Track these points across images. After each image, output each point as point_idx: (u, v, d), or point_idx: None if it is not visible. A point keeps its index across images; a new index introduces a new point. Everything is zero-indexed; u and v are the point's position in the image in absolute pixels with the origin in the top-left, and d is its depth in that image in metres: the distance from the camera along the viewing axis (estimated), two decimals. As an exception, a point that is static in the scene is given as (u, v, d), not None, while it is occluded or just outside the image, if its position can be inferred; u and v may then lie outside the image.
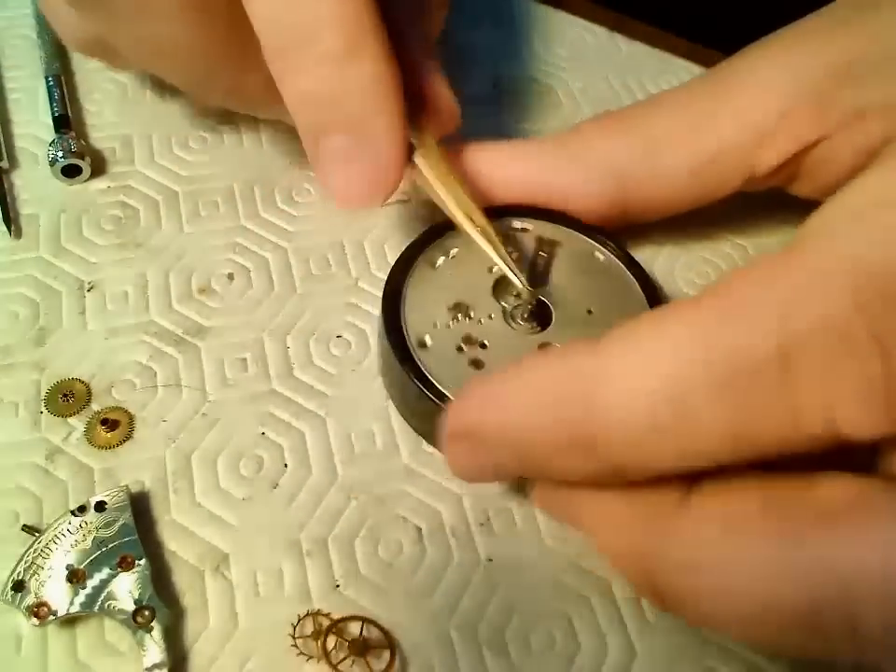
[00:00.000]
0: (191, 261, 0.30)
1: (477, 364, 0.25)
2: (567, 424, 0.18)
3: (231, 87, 0.26)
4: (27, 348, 0.27)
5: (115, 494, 0.23)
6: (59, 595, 0.22)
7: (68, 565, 0.22)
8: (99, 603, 0.22)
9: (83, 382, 0.26)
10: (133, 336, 0.28)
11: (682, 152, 0.28)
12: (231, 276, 0.30)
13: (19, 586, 0.22)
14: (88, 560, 0.22)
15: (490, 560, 0.24)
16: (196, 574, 0.23)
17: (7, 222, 0.30)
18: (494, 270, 0.26)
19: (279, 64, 0.22)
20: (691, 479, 0.19)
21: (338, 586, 0.23)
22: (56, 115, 0.33)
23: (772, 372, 0.16)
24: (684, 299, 0.19)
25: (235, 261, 0.30)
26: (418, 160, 0.26)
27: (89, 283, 0.29)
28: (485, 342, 0.25)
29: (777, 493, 0.18)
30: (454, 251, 0.27)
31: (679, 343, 0.17)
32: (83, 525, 0.23)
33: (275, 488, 0.25)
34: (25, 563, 0.22)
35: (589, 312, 0.26)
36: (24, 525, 0.23)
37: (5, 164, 0.32)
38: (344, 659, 0.22)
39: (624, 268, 0.28)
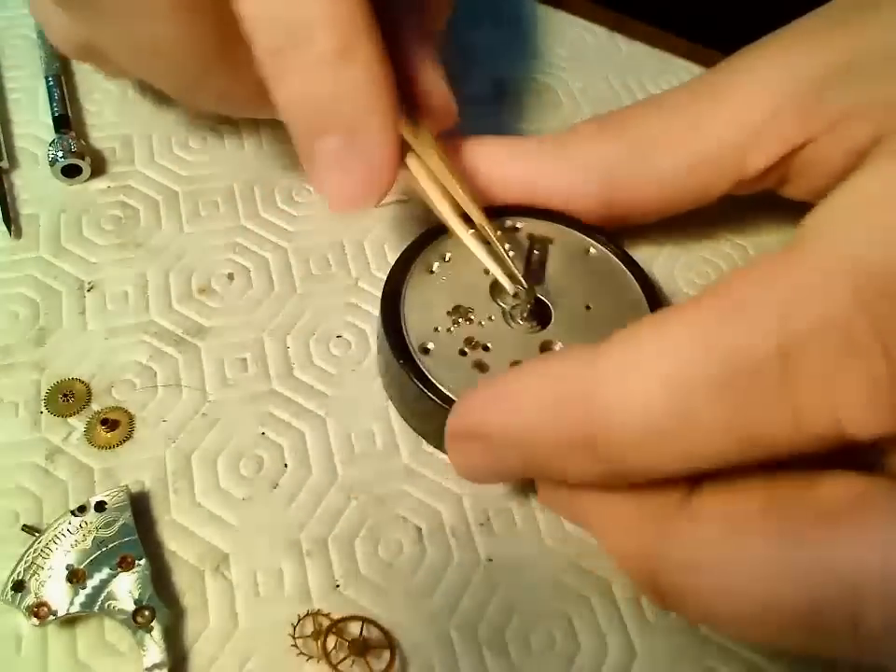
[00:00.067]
0: (191, 261, 0.30)
1: (481, 366, 0.25)
2: (569, 425, 0.18)
3: (221, 90, 0.26)
4: (27, 348, 0.27)
5: (115, 494, 0.23)
6: (59, 595, 0.22)
7: (68, 565, 0.22)
8: (99, 603, 0.22)
9: (83, 382, 0.26)
10: (132, 336, 0.28)
11: (671, 155, 0.28)
12: (230, 276, 0.30)
13: (19, 586, 0.22)
14: (88, 560, 0.22)
15: (490, 560, 0.24)
16: (196, 574, 0.23)
17: (7, 222, 0.30)
18: (496, 258, 0.27)
19: (270, 67, 0.22)
20: (692, 480, 0.19)
21: (338, 586, 0.23)
22: (56, 115, 0.33)
23: (773, 372, 0.16)
24: (684, 300, 0.19)
25: (235, 261, 0.30)
26: (411, 162, 0.26)
27: (89, 283, 0.29)
28: (487, 344, 0.25)
29: (778, 492, 0.18)
30: (449, 254, 0.27)
31: (680, 344, 0.17)
32: (83, 524, 0.23)
33: (275, 488, 0.25)
34: (25, 563, 0.22)
35: (587, 308, 0.26)
36: (24, 525, 0.23)
37: (5, 164, 0.32)
38: (344, 659, 0.22)
39: (618, 262, 0.28)
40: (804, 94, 0.26)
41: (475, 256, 0.26)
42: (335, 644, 0.22)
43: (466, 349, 0.25)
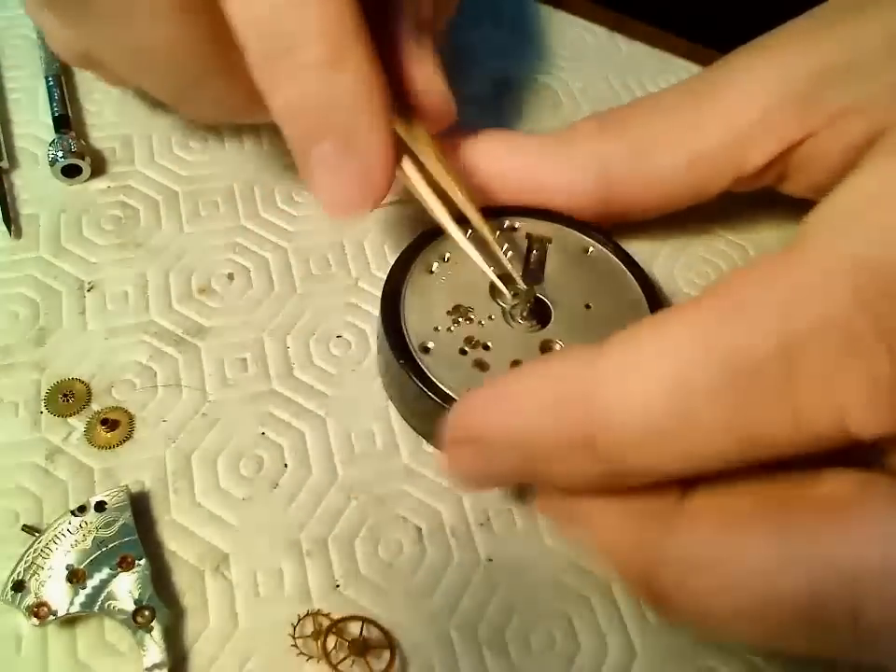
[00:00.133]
0: (191, 261, 0.30)
1: (481, 365, 0.25)
2: (569, 425, 0.18)
3: (217, 96, 0.26)
4: (27, 348, 0.27)
5: (115, 494, 0.23)
6: (59, 595, 0.22)
7: (68, 565, 0.22)
8: (99, 603, 0.22)
9: (83, 382, 0.26)
10: (133, 336, 0.28)
11: (670, 152, 0.28)
12: (230, 276, 0.30)
13: (19, 586, 0.22)
14: (88, 560, 0.22)
15: (490, 560, 0.24)
16: (196, 574, 0.23)
17: (7, 222, 0.30)
18: (491, 268, 0.27)
19: (263, 74, 0.22)
20: (688, 482, 0.19)
21: (338, 586, 0.23)
22: (56, 115, 0.33)
23: (774, 372, 0.16)
24: (684, 300, 0.19)
25: (235, 261, 0.30)
26: (407, 164, 0.26)
27: (89, 283, 0.29)
28: (488, 343, 0.25)
29: (775, 490, 0.18)
30: (448, 254, 0.27)
31: (680, 345, 0.17)
32: (83, 524, 0.23)
33: (275, 488, 0.25)
34: (25, 563, 0.22)
35: (587, 307, 0.26)
36: (24, 525, 0.23)
37: (5, 164, 0.32)
38: (344, 659, 0.22)
39: (618, 261, 0.28)
40: (801, 91, 0.26)
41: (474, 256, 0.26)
42: (335, 644, 0.22)
43: (466, 348, 0.25)
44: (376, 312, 0.27)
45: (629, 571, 0.19)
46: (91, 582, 0.22)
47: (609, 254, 0.28)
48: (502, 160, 0.29)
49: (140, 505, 0.24)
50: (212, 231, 0.31)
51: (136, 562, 0.22)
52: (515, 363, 0.25)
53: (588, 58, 0.39)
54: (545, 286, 0.27)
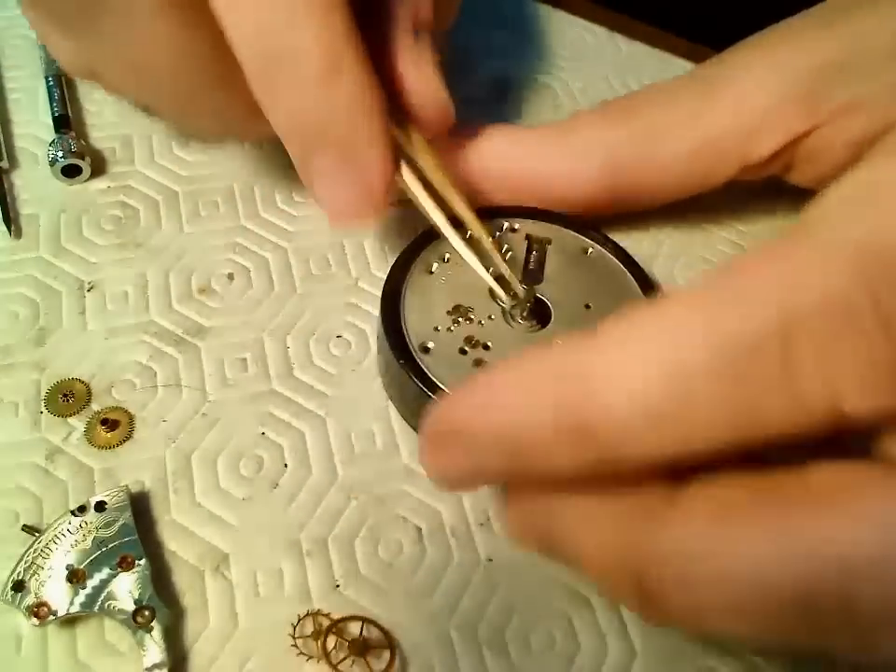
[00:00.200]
0: (191, 261, 0.30)
1: (481, 365, 0.25)
2: (565, 414, 0.18)
3: (217, 110, 0.26)
4: (27, 348, 0.27)
5: (115, 494, 0.23)
6: (59, 595, 0.22)
7: (68, 565, 0.22)
8: (99, 603, 0.22)
9: (83, 382, 0.26)
10: (133, 336, 0.28)
11: (676, 140, 0.28)
12: (230, 276, 0.30)
13: (19, 586, 0.22)
14: (88, 560, 0.22)
15: (490, 560, 0.24)
16: (196, 574, 0.23)
17: (7, 222, 0.30)
18: (490, 270, 0.27)
19: (261, 89, 0.23)
20: (676, 476, 0.19)
21: (338, 586, 0.23)
22: (56, 115, 0.33)
23: (772, 353, 0.16)
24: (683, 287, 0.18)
25: (235, 261, 0.30)
26: (405, 171, 0.26)
27: (89, 283, 0.29)
28: (488, 343, 0.25)
29: (768, 482, 0.18)
30: (448, 254, 0.27)
31: (678, 327, 0.17)
32: (83, 524, 0.23)
33: (275, 488, 0.25)
34: (25, 563, 0.22)
35: (587, 307, 0.26)
36: (24, 525, 0.23)
37: (5, 164, 0.32)
38: (344, 659, 0.22)
39: (617, 261, 0.28)
40: (807, 83, 0.26)
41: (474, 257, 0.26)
42: (335, 644, 0.22)
43: (466, 348, 0.25)
44: (376, 312, 0.27)
45: (616, 573, 0.19)
46: (91, 582, 0.22)
47: (609, 254, 0.28)
48: (505, 155, 0.29)
49: (140, 505, 0.24)
50: (212, 230, 0.31)
51: (136, 562, 0.22)
52: None
53: (588, 58, 0.39)
54: (545, 286, 0.27)
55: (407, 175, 0.27)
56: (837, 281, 0.16)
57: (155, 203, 0.32)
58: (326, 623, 0.22)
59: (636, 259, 0.28)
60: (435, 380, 0.24)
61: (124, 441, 0.25)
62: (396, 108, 0.26)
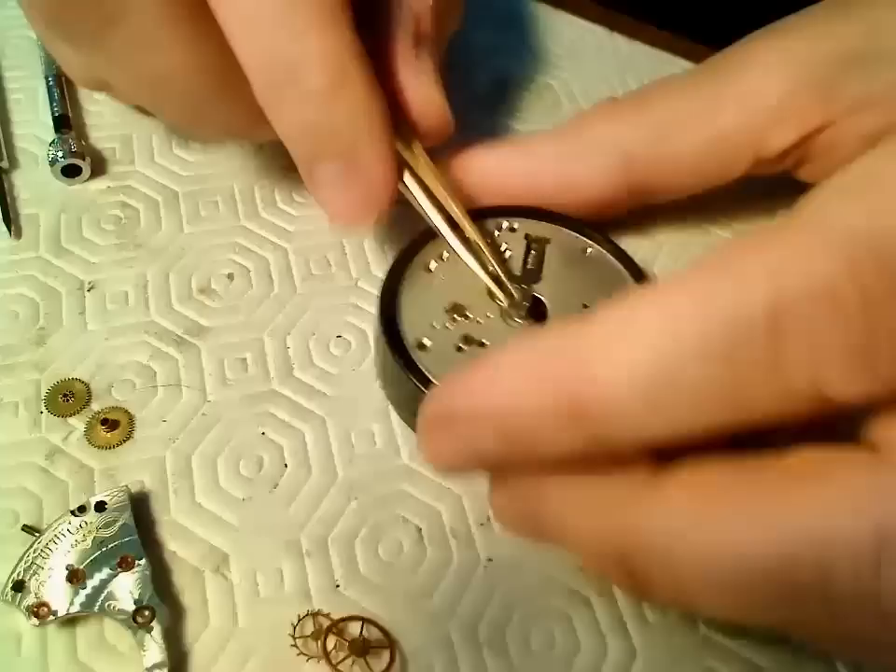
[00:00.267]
0: (191, 261, 0.30)
1: None
2: (558, 396, 0.18)
3: (225, 118, 0.27)
4: (27, 348, 0.27)
5: (115, 494, 0.23)
6: (59, 595, 0.22)
7: (68, 565, 0.22)
8: (99, 603, 0.22)
9: (83, 382, 0.26)
10: (133, 336, 0.28)
11: (689, 134, 0.28)
12: (230, 276, 0.30)
13: (19, 586, 0.22)
14: (88, 560, 0.22)
15: (490, 560, 0.24)
16: (196, 574, 0.23)
17: (7, 222, 0.30)
18: (489, 270, 0.27)
19: (268, 101, 0.23)
20: (663, 457, 0.19)
21: (338, 586, 0.23)
22: (56, 115, 0.33)
23: (761, 336, 0.16)
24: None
25: (235, 261, 0.30)
26: (408, 179, 0.27)
27: (89, 283, 0.29)
28: (484, 340, 0.25)
29: (748, 462, 0.18)
30: (446, 253, 0.27)
31: (669, 310, 0.17)
32: (83, 524, 0.23)
33: (275, 488, 0.25)
34: (25, 563, 0.22)
35: (585, 307, 0.26)
36: (24, 525, 0.23)
37: (5, 164, 0.32)
38: (344, 659, 0.22)
39: (615, 260, 0.28)
40: (821, 74, 0.26)
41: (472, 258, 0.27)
42: (335, 644, 0.22)
43: (463, 346, 0.25)
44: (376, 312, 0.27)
45: (603, 553, 0.19)
46: (91, 582, 0.22)
47: (607, 254, 0.28)
48: (518, 170, 0.29)
49: (140, 505, 0.24)
50: (212, 231, 0.31)
51: (136, 562, 0.22)
52: None
53: (588, 58, 0.39)
54: (543, 285, 0.27)
55: (408, 179, 0.27)
56: (825, 267, 0.16)
57: (155, 202, 0.32)
58: (326, 623, 0.22)
59: (635, 259, 0.28)
60: (431, 377, 0.24)
61: (124, 441, 0.25)
62: (396, 118, 0.26)
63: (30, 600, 0.21)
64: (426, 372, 0.24)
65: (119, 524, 0.23)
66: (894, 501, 0.16)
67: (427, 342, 0.25)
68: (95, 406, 0.26)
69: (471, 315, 0.26)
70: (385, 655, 0.22)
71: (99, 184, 0.32)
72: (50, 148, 0.31)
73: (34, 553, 0.22)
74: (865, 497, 0.16)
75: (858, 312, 0.16)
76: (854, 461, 0.17)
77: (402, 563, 0.24)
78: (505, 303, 0.26)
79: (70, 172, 0.31)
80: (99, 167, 0.32)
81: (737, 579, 0.17)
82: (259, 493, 0.25)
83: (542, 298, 0.27)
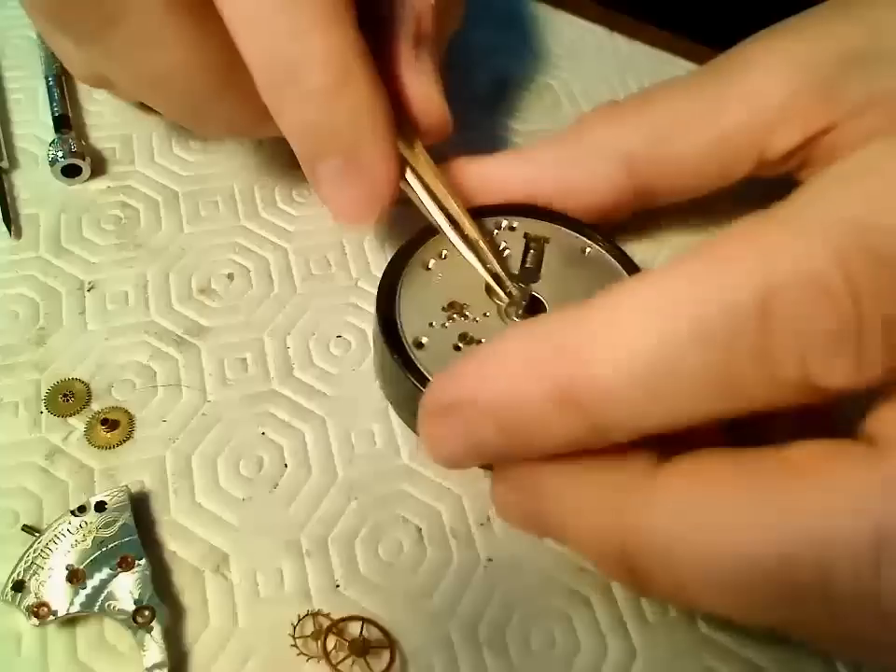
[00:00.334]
0: (191, 261, 0.30)
1: None
2: (553, 381, 0.18)
3: (228, 114, 0.27)
4: (27, 348, 0.27)
5: (115, 494, 0.23)
6: (59, 595, 0.22)
7: (68, 565, 0.22)
8: (99, 603, 0.22)
9: (83, 382, 0.26)
10: (133, 336, 0.28)
11: (692, 135, 0.28)
12: (230, 276, 0.30)
13: (19, 586, 0.22)
14: (88, 560, 0.22)
15: (490, 560, 0.24)
16: (196, 574, 0.23)
17: (7, 222, 0.30)
18: (487, 268, 0.27)
19: (271, 99, 0.23)
20: (660, 451, 0.19)
21: (338, 586, 0.23)
22: (56, 115, 0.33)
23: (751, 323, 0.16)
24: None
25: (235, 261, 0.30)
26: (409, 176, 0.27)
27: (89, 283, 0.29)
28: (482, 339, 0.25)
29: (747, 456, 0.18)
30: (445, 251, 0.27)
31: (662, 299, 0.17)
32: (83, 524, 0.23)
33: (275, 488, 0.25)
34: (25, 563, 0.22)
35: None
36: (24, 525, 0.23)
37: (5, 164, 0.32)
38: (344, 659, 0.22)
39: (614, 260, 0.28)
40: (824, 74, 0.26)
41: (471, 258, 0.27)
42: (335, 644, 0.22)
43: (460, 344, 0.25)
44: (376, 312, 0.27)
45: (603, 547, 0.19)
46: (91, 582, 0.22)
47: (606, 254, 0.28)
48: (519, 177, 0.29)
49: (140, 505, 0.24)
50: (212, 231, 0.31)
51: (136, 562, 0.22)
52: None
53: (588, 58, 0.39)
54: (541, 284, 0.27)
55: (409, 177, 0.27)
56: (813, 255, 0.16)
57: (155, 202, 0.32)
58: (326, 623, 0.22)
59: (636, 260, 0.28)
60: (428, 375, 0.24)
61: (124, 441, 0.25)
62: (398, 117, 0.26)
63: (30, 600, 0.21)
64: (424, 371, 0.24)
65: (119, 524, 0.23)
66: (894, 501, 0.16)
67: (425, 340, 0.25)
68: (95, 406, 0.26)
69: (469, 314, 0.26)
70: (385, 655, 0.22)
71: (99, 184, 0.32)
72: (50, 148, 0.31)
73: (34, 553, 0.22)
74: (865, 497, 0.16)
75: (845, 300, 0.16)
76: (853, 457, 0.17)
77: (402, 563, 0.24)
78: (504, 302, 0.26)
79: (70, 172, 0.31)
80: (99, 167, 0.32)
81: (737, 578, 0.17)
82: (259, 493, 0.25)
83: (541, 297, 0.27)
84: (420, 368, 0.24)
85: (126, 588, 0.22)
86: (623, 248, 0.28)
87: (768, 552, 0.17)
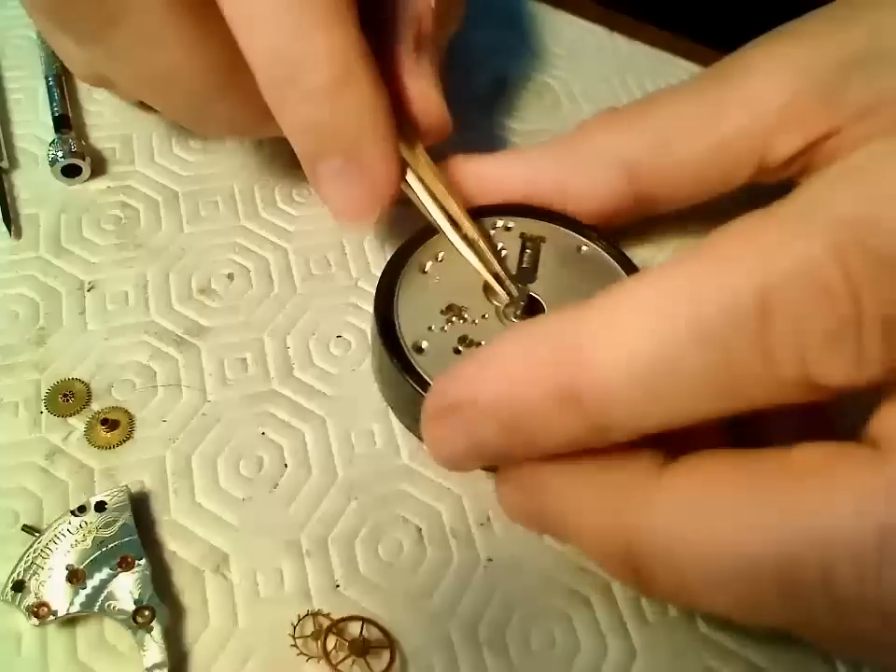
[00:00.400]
0: (191, 261, 0.30)
1: None
2: (554, 384, 0.18)
3: (230, 114, 0.27)
4: (27, 348, 0.27)
5: (115, 494, 0.23)
6: (59, 595, 0.22)
7: (68, 565, 0.22)
8: (99, 603, 0.22)
9: (83, 382, 0.26)
10: (133, 336, 0.28)
11: (692, 141, 0.28)
12: (230, 276, 0.30)
13: (19, 586, 0.22)
14: (88, 560, 0.22)
15: (490, 560, 0.24)
16: (196, 574, 0.23)
17: (7, 222, 0.30)
18: (489, 268, 0.27)
19: (274, 97, 0.24)
20: (664, 452, 0.19)
21: (338, 586, 0.23)
22: (56, 115, 0.33)
23: (750, 320, 0.16)
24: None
25: (235, 261, 0.30)
26: (409, 176, 0.27)
27: (89, 283, 0.29)
28: (482, 342, 0.25)
29: (750, 457, 0.18)
30: (441, 254, 0.27)
31: (663, 296, 0.17)
32: (83, 525, 0.23)
33: (275, 488, 0.25)
34: (25, 563, 0.22)
35: None
36: (24, 525, 0.23)
37: (5, 164, 0.32)
38: (344, 659, 0.22)
39: (610, 258, 0.28)
40: (825, 78, 0.26)
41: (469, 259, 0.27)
42: (335, 644, 0.22)
43: (460, 348, 0.25)
44: (376, 312, 0.27)
45: (607, 547, 0.19)
46: (91, 582, 0.22)
47: (602, 252, 0.28)
48: (518, 178, 0.29)
49: (140, 505, 0.24)
50: (212, 231, 0.31)
51: (136, 562, 0.22)
52: None
53: (588, 58, 0.39)
54: (539, 284, 0.27)
55: (410, 178, 0.27)
56: (811, 252, 0.16)
57: (155, 202, 0.32)
58: (326, 623, 0.22)
59: (635, 260, 0.28)
60: (429, 380, 0.24)
61: (124, 441, 0.25)
62: (399, 117, 0.26)
63: (30, 600, 0.21)
64: (423, 375, 0.24)
65: (119, 524, 0.23)
66: None
67: (424, 344, 0.25)
68: (95, 406, 0.26)
69: (468, 317, 0.26)
70: (385, 655, 0.22)
71: (99, 184, 0.32)
72: (50, 148, 0.31)
73: (34, 553, 0.22)
74: (868, 498, 0.16)
75: (844, 299, 0.16)
76: (856, 459, 0.17)
77: (402, 563, 0.24)
78: (504, 302, 0.26)
79: (70, 172, 0.31)
80: (99, 167, 0.32)
81: (739, 579, 0.17)
82: (259, 493, 0.25)
83: (538, 297, 0.27)
84: (419, 371, 0.24)
85: (126, 588, 0.22)
86: (622, 249, 0.28)
87: (770, 552, 0.17)
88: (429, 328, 0.25)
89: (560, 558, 0.24)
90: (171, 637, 0.22)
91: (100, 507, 0.23)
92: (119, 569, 0.22)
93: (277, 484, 0.25)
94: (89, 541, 0.22)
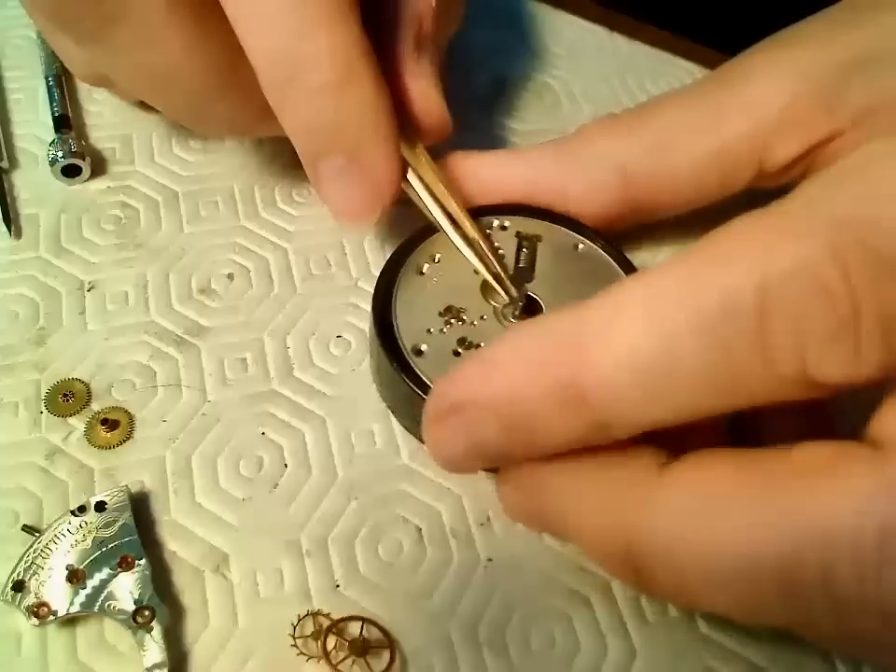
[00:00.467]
0: (191, 261, 0.30)
1: None
2: (555, 382, 0.18)
3: (230, 113, 0.27)
4: (27, 348, 0.27)
5: (115, 494, 0.23)
6: (59, 595, 0.22)
7: (68, 565, 0.22)
8: (99, 603, 0.22)
9: (83, 382, 0.26)
10: (133, 336, 0.28)
11: (691, 145, 0.28)
12: (230, 276, 0.30)
13: (19, 586, 0.22)
14: (88, 560, 0.22)
15: (490, 560, 0.24)
16: (196, 574, 0.23)
17: (7, 222, 0.30)
18: (490, 268, 0.27)
19: (275, 96, 0.24)
20: (666, 451, 0.19)
21: (338, 586, 0.23)
22: (56, 115, 0.33)
23: (749, 318, 0.16)
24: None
25: (235, 261, 0.30)
26: (410, 176, 0.27)
27: (89, 283, 0.29)
28: (481, 343, 0.25)
29: (752, 456, 0.18)
30: (438, 255, 0.27)
31: (664, 294, 0.17)
32: (83, 524, 0.23)
33: (275, 488, 0.25)
34: (25, 563, 0.22)
35: None
36: (24, 525, 0.23)
37: (5, 164, 0.32)
38: (344, 659, 0.22)
39: (606, 256, 0.28)
40: (824, 81, 0.26)
41: (467, 259, 0.27)
42: (335, 644, 0.22)
43: (459, 349, 0.25)
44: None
45: (607, 546, 0.19)
46: (91, 582, 0.22)
47: (599, 250, 0.28)
48: (517, 180, 0.29)
49: (140, 505, 0.24)
50: (212, 231, 0.31)
51: (136, 562, 0.22)
52: None
53: (588, 58, 0.39)
54: (536, 284, 0.27)
55: (411, 177, 0.27)
56: (811, 251, 0.16)
57: (155, 202, 0.32)
58: (326, 623, 0.22)
59: (634, 261, 0.28)
60: (429, 383, 0.24)
61: (124, 441, 0.25)
62: (400, 117, 0.26)
63: (30, 600, 0.21)
64: (422, 377, 0.24)
65: (119, 524, 0.23)
66: None
67: (424, 347, 0.25)
68: (95, 406, 0.26)
69: (466, 318, 0.26)
70: (385, 655, 0.22)
71: (99, 184, 0.32)
72: (50, 148, 0.31)
73: (34, 553, 0.22)
74: (868, 498, 0.16)
75: (842, 297, 0.16)
76: (856, 459, 0.17)
77: (402, 563, 0.24)
78: (502, 303, 0.26)
79: (70, 172, 0.31)
80: (99, 167, 0.32)
81: (739, 578, 0.17)
82: (259, 493, 0.25)
83: (536, 296, 0.27)
84: (418, 373, 0.24)
85: (126, 588, 0.22)
86: (621, 249, 0.28)
87: (770, 552, 0.17)
88: (428, 330, 0.25)
89: (560, 558, 0.24)
90: (171, 636, 0.22)
91: (100, 507, 0.23)
92: (118, 569, 0.22)
93: (277, 484, 0.25)
94: (89, 541, 0.22)
